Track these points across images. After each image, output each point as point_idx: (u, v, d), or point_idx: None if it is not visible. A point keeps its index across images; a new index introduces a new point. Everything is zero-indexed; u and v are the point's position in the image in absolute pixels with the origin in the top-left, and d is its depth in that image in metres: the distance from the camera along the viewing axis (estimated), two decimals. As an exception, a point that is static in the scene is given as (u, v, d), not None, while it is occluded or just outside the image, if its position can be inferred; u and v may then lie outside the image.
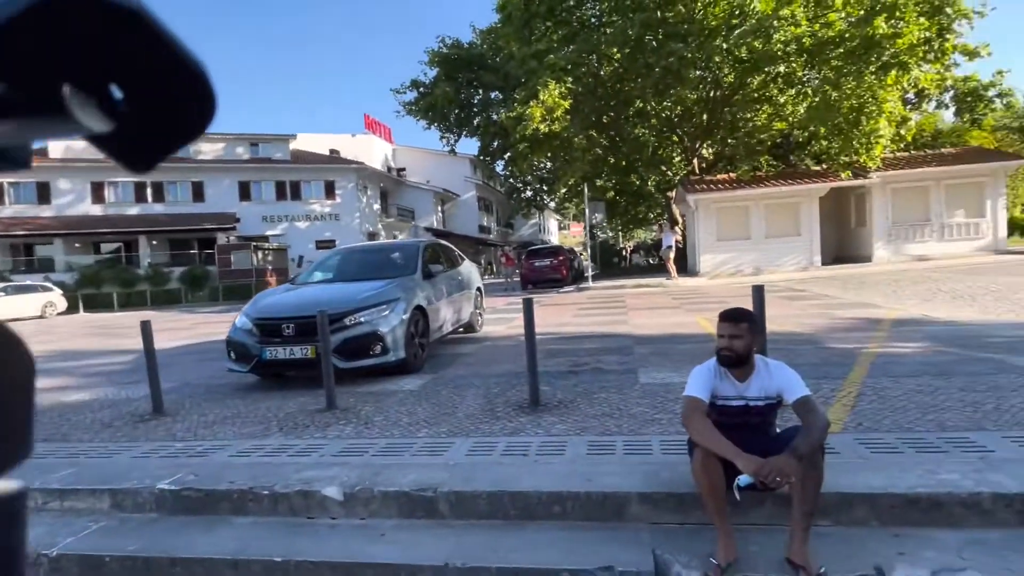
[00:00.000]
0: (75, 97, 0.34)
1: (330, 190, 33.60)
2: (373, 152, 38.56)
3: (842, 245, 20.94)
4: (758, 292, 4.02)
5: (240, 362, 5.77)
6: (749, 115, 19.63)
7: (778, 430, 2.73)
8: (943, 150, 20.46)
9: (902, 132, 18.34)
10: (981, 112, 18.17)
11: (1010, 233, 19.48)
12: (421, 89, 22.22)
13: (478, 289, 9.12)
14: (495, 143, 20.65)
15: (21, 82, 0.33)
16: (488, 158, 21.32)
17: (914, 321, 7.49)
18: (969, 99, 17.93)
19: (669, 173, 23.37)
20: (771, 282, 15.42)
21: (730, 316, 2.64)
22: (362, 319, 5.62)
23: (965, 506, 2.55)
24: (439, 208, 41.30)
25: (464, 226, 41.73)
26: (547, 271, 20.00)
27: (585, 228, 20.26)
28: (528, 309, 4.37)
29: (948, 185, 18.36)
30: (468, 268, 8.87)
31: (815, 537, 2.47)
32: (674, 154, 23.07)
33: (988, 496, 2.53)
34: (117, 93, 0.36)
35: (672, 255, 18.07)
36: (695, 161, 21.65)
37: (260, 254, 29.10)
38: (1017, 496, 2.51)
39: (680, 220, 25.61)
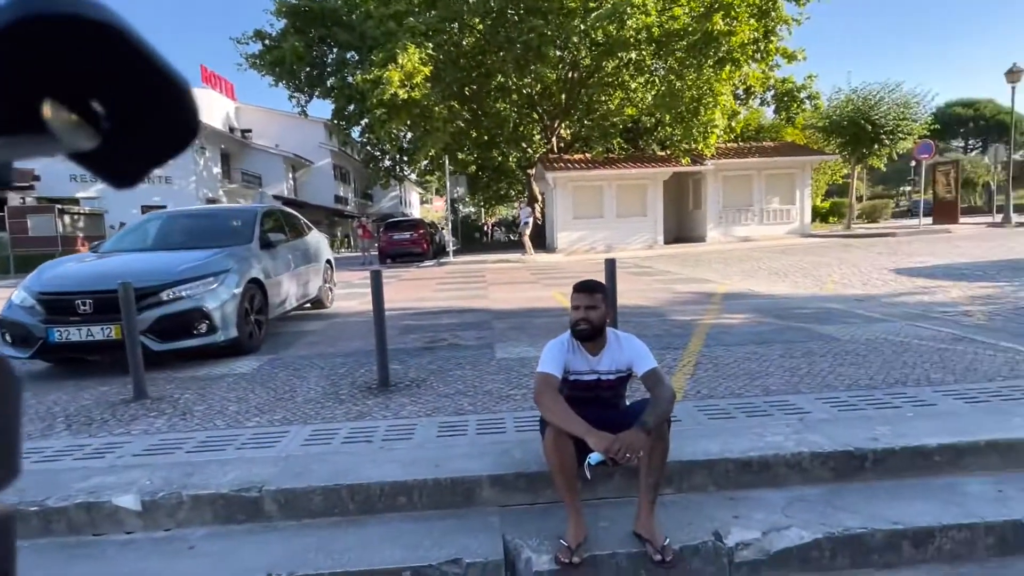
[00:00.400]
0: (56, 114, 0.34)
1: (158, 149, 29.54)
2: (212, 109, 34.51)
3: (681, 226, 22.83)
4: (610, 265, 4.05)
5: (19, 347, 4.72)
6: (603, 98, 20.47)
7: (627, 402, 2.71)
8: (764, 143, 23.01)
9: (733, 124, 20.29)
10: (794, 111, 20.69)
11: (812, 219, 22.54)
12: (267, 42, 20.14)
13: (328, 262, 8.46)
14: (351, 107, 19.37)
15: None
16: (343, 123, 19.97)
17: (740, 295, 8.26)
18: (785, 99, 20.27)
19: (529, 150, 23.74)
20: (621, 259, 16.30)
21: (585, 287, 2.55)
22: (184, 293, 4.85)
23: (788, 466, 2.72)
24: (290, 175, 38.33)
25: (318, 196, 39.22)
26: (407, 244, 19.43)
27: (446, 202, 19.93)
28: (376, 282, 4.02)
29: (767, 175, 20.70)
30: (316, 239, 8.17)
31: (659, 507, 2.48)
32: (534, 132, 23.44)
33: (807, 455, 2.72)
34: (99, 109, 0.36)
35: (528, 231, 18.47)
36: (554, 140, 22.17)
37: (68, 219, 24.92)
38: (831, 454, 2.73)
39: (540, 198, 26.26)
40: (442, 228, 21.25)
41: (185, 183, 29.69)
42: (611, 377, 2.54)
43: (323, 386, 4.27)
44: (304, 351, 5.60)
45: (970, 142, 60.07)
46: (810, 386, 3.78)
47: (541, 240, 24.26)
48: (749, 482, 2.71)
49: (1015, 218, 19.72)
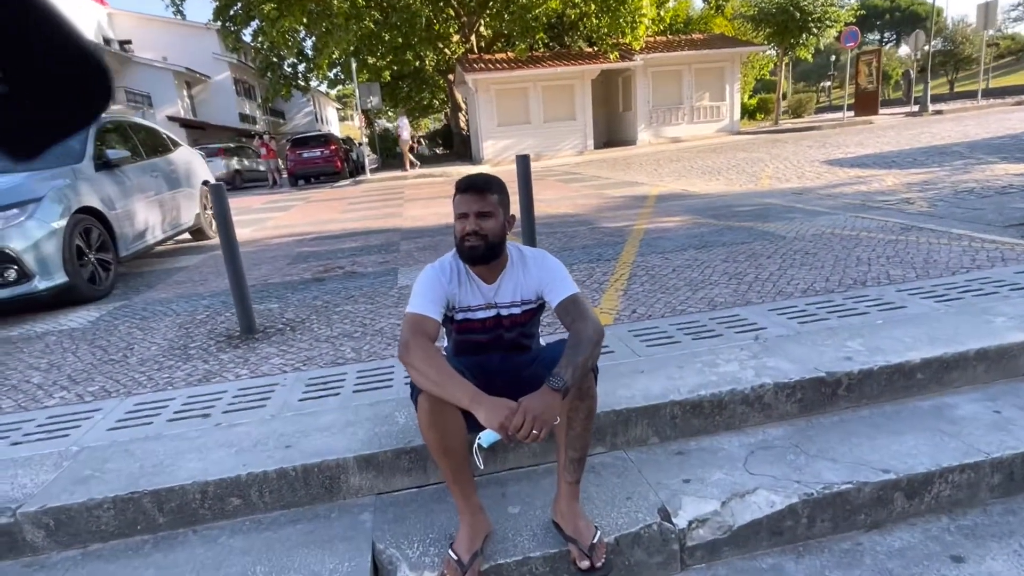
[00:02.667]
0: None
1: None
2: (79, 17, 29.69)
3: (611, 129, 21.97)
4: (523, 164, 3.23)
5: None
6: (524, -12, 18.61)
7: (542, 342, 2.00)
8: (694, 36, 21.98)
9: (661, 14, 19.07)
10: (724, 0, 19.64)
11: (741, 116, 22.16)
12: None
13: (206, 183, 7.18)
14: (236, 5, 16.76)
15: None
16: (229, 24, 17.32)
17: (675, 196, 7.67)
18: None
19: (447, 51, 21.73)
20: (549, 166, 15.47)
21: (473, 185, 1.71)
22: (-25, 232, 3.70)
23: (748, 403, 2.14)
24: (185, 93, 34.24)
25: (221, 115, 35.48)
26: (318, 163, 17.69)
27: (356, 111, 18.05)
28: (218, 196, 3.04)
29: (697, 69, 19.88)
30: (186, 156, 6.83)
31: (585, 475, 1.85)
32: (451, 30, 21.32)
33: (771, 388, 2.14)
34: None
35: (408, 146, 17.50)
36: (472, 38, 20.29)
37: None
38: (798, 383, 2.15)
39: (463, 105, 24.53)
40: (359, 144, 19.44)
41: (56, 105, 25.85)
42: (516, 311, 1.80)
43: (171, 339, 3.37)
44: (165, 293, 4.58)
45: (886, 35, 61.06)
46: (760, 294, 3.22)
47: (467, 151, 22.90)
48: (700, 428, 2.12)
49: (932, 106, 19.99)
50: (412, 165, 17.84)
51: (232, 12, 17.18)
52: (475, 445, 1.48)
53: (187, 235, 7.01)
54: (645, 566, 1.68)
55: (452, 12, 20.46)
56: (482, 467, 1.57)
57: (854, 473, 1.82)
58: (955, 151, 9.08)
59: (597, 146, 19.63)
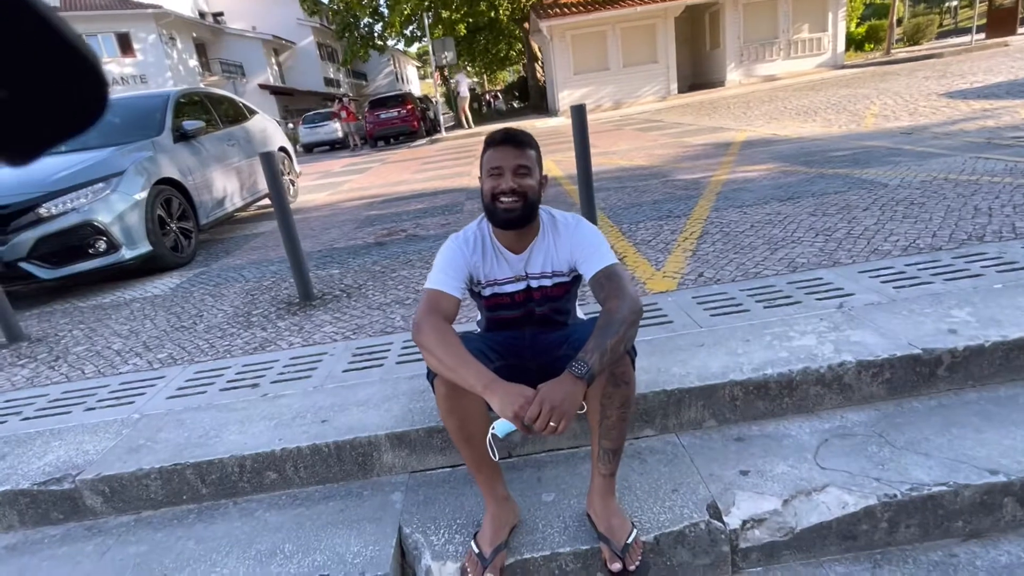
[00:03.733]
0: None
1: (125, 44, 27.24)
2: (173, -10, 31.31)
3: (697, 71, 20.48)
4: (579, 113, 2.97)
5: None
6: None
7: (583, 316, 1.82)
8: (792, -41, 19.74)
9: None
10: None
11: (846, 48, 19.91)
12: None
13: (282, 149, 7.38)
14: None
15: None
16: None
17: (762, 141, 7.01)
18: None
19: (521, -1, 20.94)
20: (629, 114, 14.72)
21: (509, 137, 1.53)
22: (66, 206, 3.96)
23: (824, 384, 1.86)
24: (273, 60, 35.53)
25: (307, 80, 36.66)
26: (396, 123, 17.83)
27: (432, 69, 17.91)
28: (269, 163, 3.03)
29: (795, -3, 17.94)
30: (260, 124, 7.02)
31: (629, 461, 1.70)
32: (525, -25, 20.45)
33: (852, 366, 1.85)
34: None
35: (466, 104, 17.10)
36: (547, -17, 19.35)
37: None
38: (887, 362, 1.85)
39: (539, 55, 23.77)
40: (434, 102, 19.39)
41: (162, 79, 27.66)
42: (547, 283, 1.62)
43: (237, 305, 3.48)
44: (240, 259, 4.77)
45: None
46: (851, 254, 2.83)
47: (543, 103, 22.30)
48: (765, 411, 1.88)
49: (1086, 20, 17.01)
50: (468, 123, 17.63)
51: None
52: (489, 435, 1.35)
53: (267, 201, 7.29)
54: (689, 568, 1.51)
55: (525, -44, 19.57)
56: (497, 459, 1.44)
57: (952, 472, 1.54)
58: (1114, 73, 7.64)
59: (681, 90, 18.42)
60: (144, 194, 4.34)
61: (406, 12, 16.06)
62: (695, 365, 1.96)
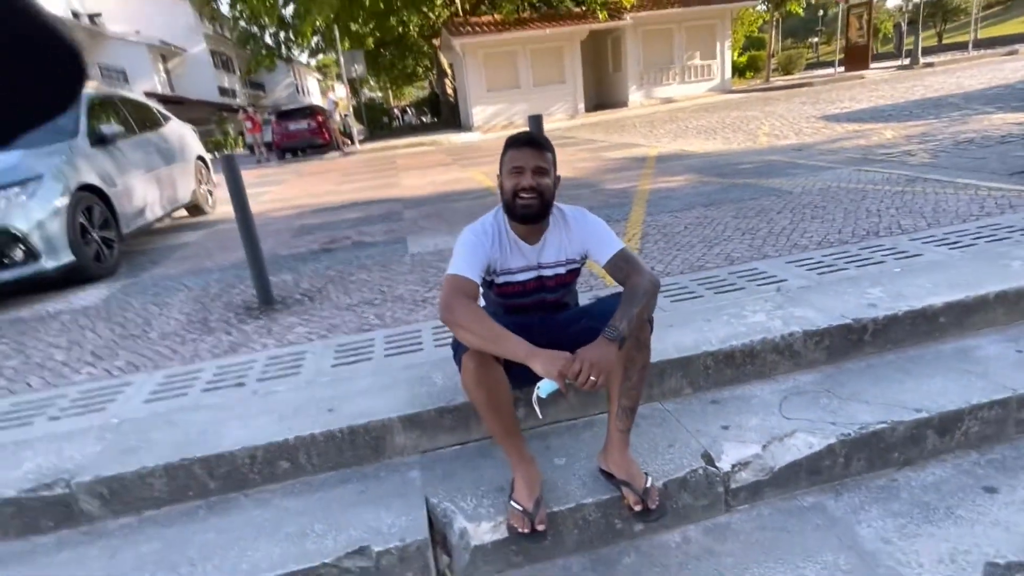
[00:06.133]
0: None
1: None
2: (43, -12, 28.50)
3: (602, 91, 21.66)
4: (536, 121, 3.19)
5: None
6: (508, -53, 18.11)
7: (579, 299, 2.02)
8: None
9: (650, -29, 18.63)
10: (713, -48, 19.16)
11: (731, 75, 21.89)
12: None
13: (200, 158, 7.05)
14: (211, -28, 16.14)
15: None
16: (206, -8, 16.72)
17: (674, 156, 7.64)
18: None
19: (432, 16, 21.18)
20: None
21: (530, 140, 1.70)
22: (-24, 212, 3.63)
23: (778, 351, 2.18)
24: (161, 67, 33.23)
25: (199, 89, 34.52)
26: (305, 135, 17.35)
27: (339, 81, 17.64)
28: (230, 168, 2.99)
29: (687, 27, 19.55)
30: (178, 130, 6.68)
31: (629, 428, 1.90)
32: (434, -8, 20.74)
33: (799, 336, 2.18)
34: None
35: (337, 126, 16.94)
36: (457, 1, 19.78)
37: None
38: (826, 330, 2.19)
39: (449, 71, 24.06)
40: (345, 115, 19.08)
41: (29, 84, 25.02)
42: (561, 271, 1.80)
43: (188, 312, 3.36)
44: (173, 269, 4.54)
45: (874, -14, 60.05)
46: (776, 248, 3.25)
47: (456, 119, 22.57)
48: (733, 378, 2.17)
49: (922, 59, 19.83)
50: (345, 146, 17.24)
51: (208, -21, 16.56)
52: (534, 396, 1.50)
53: (183, 211, 6.91)
54: (692, 509, 1.74)
55: (435, -26, 19.88)
56: (541, 417, 1.60)
57: (888, 413, 1.88)
58: (951, 103, 9.07)
59: (588, 108, 19.39)
60: (65, 200, 4.05)
61: (316, 22, 15.75)
62: (671, 342, 2.21)
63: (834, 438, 1.81)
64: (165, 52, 33.32)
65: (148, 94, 30.01)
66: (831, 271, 2.78)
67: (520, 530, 1.55)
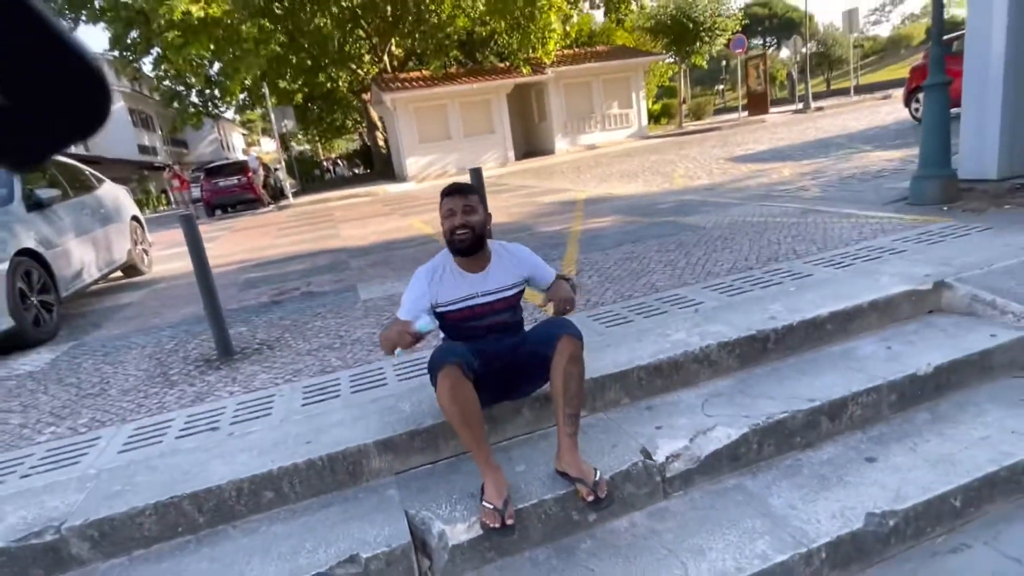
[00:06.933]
0: None
1: None
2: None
3: (529, 140, 22.70)
4: (477, 175, 3.54)
5: None
6: (432, 7, 19.03)
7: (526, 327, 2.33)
8: (598, 48, 23.18)
9: (567, 29, 20.02)
10: (623, 12, 20.89)
11: (648, 121, 23.54)
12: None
13: (135, 218, 6.99)
14: (133, 32, 16.06)
15: None
16: (128, 53, 16.56)
17: (600, 199, 8.23)
18: (613, 0, 20.33)
19: (360, 72, 21.73)
20: (475, 179, 15.85)
21: (456, 189, 2.12)
22: (-88, 282, 3.56)
23: (698, 361, 2.55)
24: (74, 126, 32.00)
25: (117, 148, 33.33)
26: (236, 191, 17.16)
27: (276, 139, 17.73)
28: (188, 225, 3.16)
29: (604, 80, 20.99)
30: (112, 192, 6.64)
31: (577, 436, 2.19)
32: (363, 50, 21.38)
33: (715, 347, 2.56)
34: None
35: (260, 180, 17.29)
36: (386, 58, 20.45)
37: None
38: (736, 341, 2.59)
39: (380, 124, 24.54)
40: (275, 169, 19.00)
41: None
42: (508, 293, 2.17)
43: (145, 369, 3.41)
44: (118, 329, 4.53)
45: (767, 40, 66.21)
46: (694, 276, 3.69)
47: (389, 169, 22.92)
48: (662, 386, 2.51)
49: (813, 104, 22.10)
50: (272, 201, 17.41)
51: (128, 41, 16.45)
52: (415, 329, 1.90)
53: (118, 272, 6.80)
54: (636, 497, 2.03)
55: (363, 33, 20.53)
56: (398, 356, 2.07)
57: (789, 404, 2.26)
58: (837, 143, 10.25)
59: (518, 157, 20.25)
60: (4, 266, 4.02)
61: (245, 80, 15.89)
62: (608, 360, 2.54)
63: (747, 428, 2.16)
64: (79, 111, 32.17)
65: (61, 154, 28.87)
66: (740, 293, 3.22)
67: (492, 525, 1.79)
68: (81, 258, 5.28)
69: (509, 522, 1.80)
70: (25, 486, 2.20)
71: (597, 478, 1.91)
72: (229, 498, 2.01)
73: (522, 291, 2.21)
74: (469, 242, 2.07)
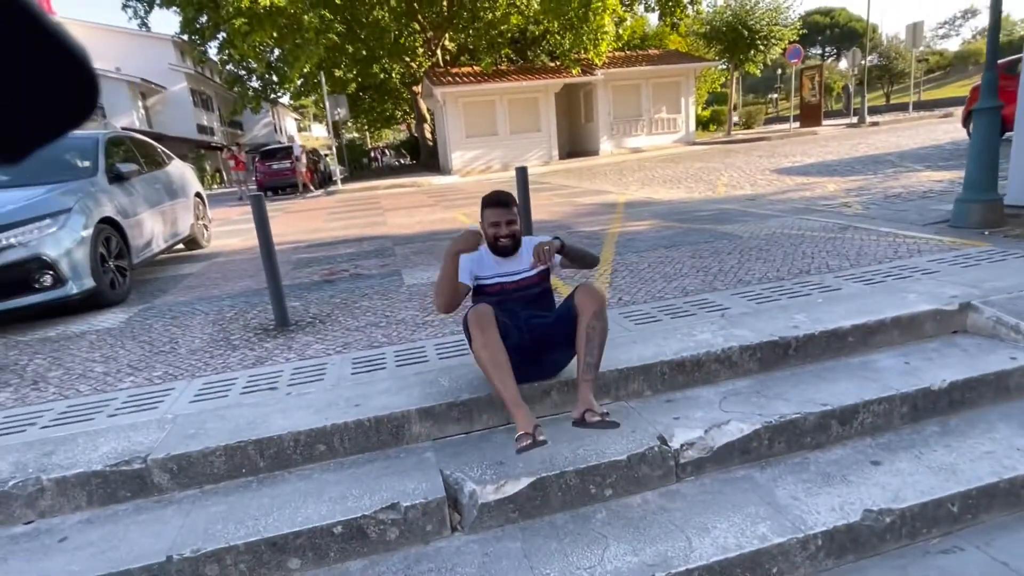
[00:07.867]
0: None
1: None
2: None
3: (574, 140, 22.80)
4: (522, 175, 3.76)
5: None
6: (487, 4, 19.31)
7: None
8: (650, 51, 23.09)
9: (620, 31, 20.03)
10: (678, 16, 20.75)
11: (695, 127, 23.33)
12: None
13: (198, 195, 7.46)
14: (202, 18, 16.84)
15: None
16: (195, 37, 17.37)
17: (641, 203, 8.34)
18: (669, 3, 20.20)
19: (413, 65, 22.20)
20: (518, 176, 16.07)
21: (499, 201, 2.49)
22: (13, 240, 3.99)
23: (719, 362, 2.70)
24: (140, 104, 33.57)
25: (178, 126, 34.84)
26: (287, 174, 17.85)
27: (327, 125, 18.31)
28: (257, 205, 3.47)
29: (654, 83, 20.91)
30: (179, 169, 7.12)
31: (601, 419, 2.38)
32: (417, 44, 21.83)
33: (736, 349, 2.72)
34: None
35: (303, 168, 17.56)
36: (439, 53, 20.84)
37: None
38: (758, 346, 2.74)
39: (428, 117, 24.99)
40: (325, 155, 19.60)
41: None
42: (532, 272, 2.52)
43: (210, 333, 3.75)
44: (183, 296, 4.92)
45: (827, 50, 64.36)
46: (724, 283, 3.82)
47: (435, 162, 23.34)
48: (684, 382, 2.68)
49: (869, 118, 21.52)
50: (307, 189, 17.83)
51: (198, 26, 17.25)
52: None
53: (180, 245, 7.27)
54: (650, 478, 2.22)
55: (418, 27, 20.97)
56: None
57: (802, 407, 2.40)
58: (887, 160, 10.08)
59: (561, 156, 20.38)
60: (90, 231, 4.43)
61: (304, 68, 16.48)
62: (635, 354, 2.72)
63: (760, 424, 2.32)
64: (145, 90, 33.72)
65: (126, 129, 30.33)
66: (767, 301, 3.35)
67: (527, 443, 2.00)
68: (152, 229, 5.72)
69: (540, 439, 2.01)
70: (114, 424, 2.52)
71: (604, 410, 2.12)
72: (287, 447, 2.29)
73: (546, 271, 2.55)
74: (511, 248, 2.50)
